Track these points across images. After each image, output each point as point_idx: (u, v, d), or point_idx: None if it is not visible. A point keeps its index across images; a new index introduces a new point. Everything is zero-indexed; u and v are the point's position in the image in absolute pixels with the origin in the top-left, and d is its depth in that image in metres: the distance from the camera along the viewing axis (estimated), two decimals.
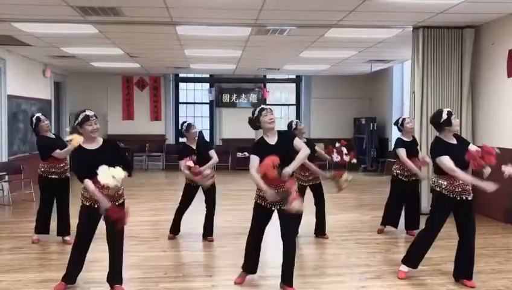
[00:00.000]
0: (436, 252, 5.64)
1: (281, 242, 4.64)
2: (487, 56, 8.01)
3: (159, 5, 6.84)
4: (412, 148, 6.74)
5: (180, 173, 14.01)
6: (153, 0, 6.68)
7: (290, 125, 6.60)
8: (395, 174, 6.78)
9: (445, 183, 4.76)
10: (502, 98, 7.60)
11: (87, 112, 4.54)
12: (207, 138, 16.25)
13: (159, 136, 15.70)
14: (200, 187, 6.53)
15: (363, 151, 15.01)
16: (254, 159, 4.55)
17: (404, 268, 5.06)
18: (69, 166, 6.47)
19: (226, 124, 16.09)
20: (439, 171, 4.81)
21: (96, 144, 4.56)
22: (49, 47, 10.26)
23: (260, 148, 4.61)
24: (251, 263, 4.86)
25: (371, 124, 14.51)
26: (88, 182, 4.37)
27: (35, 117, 6.46)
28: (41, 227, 6.47)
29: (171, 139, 15.88)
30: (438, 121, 4.85)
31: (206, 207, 6.63)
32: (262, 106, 4.88)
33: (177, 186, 11.22)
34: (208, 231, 6.61)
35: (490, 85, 7.96)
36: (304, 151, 4.60)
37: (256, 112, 4.71)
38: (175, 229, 6.66)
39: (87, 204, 4.49)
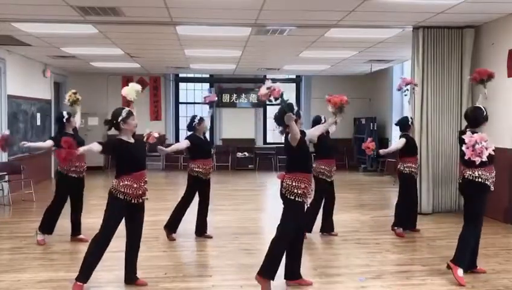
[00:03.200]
0: (437, 251, 5.65)
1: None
2: (487, 56, 8.01)
3: (159, 5, 6.85)
4: (410, 147, 6.77)
5: (180, 173, 14.02)
6: (153, 0, 6.68)
7: (318, 119, 6.68)
8: (407, 171, 6.72)
9: (487, 173, 4.85)
10: (502, 98, 7.60)
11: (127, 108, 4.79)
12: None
13: (159, 136, 15.68)
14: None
15: (363, 151, 14.98)
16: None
17: (460, 273, 4.85)
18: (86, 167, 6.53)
19: (226, 124, 16.09)
20: (475, 163, 4.76)
21: (131, 139, 4.76)
22: (49, 47, 10.26)
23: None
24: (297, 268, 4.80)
25: (371, 124, 14.52)
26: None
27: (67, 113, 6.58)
28: (48, 226, 6.39)
29: (171, 139, 15.87)
30: (481, 115, 4.97)
31: (200, 203, 6.60)
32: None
33: (177, 186, 11.24)
34: (203, 227, 6.64)
35: (490, 85, 7.92)
36: None
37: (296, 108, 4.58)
38: (173, 226, 6.58)
39: (122, 197, 4.56)
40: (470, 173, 4.89)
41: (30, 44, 9.83)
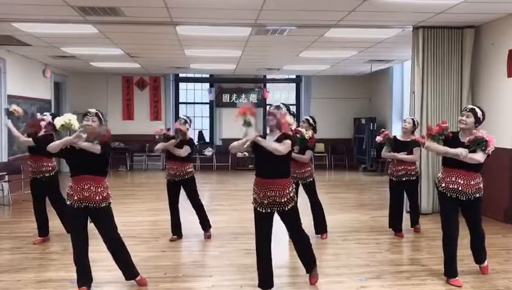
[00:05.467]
0: (437, 251, 5.64)
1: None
2: (487, 56, 8.01)
3: (159, 5, 6.85)
4: (401, 149, 6.64)
5: None
6: (153, 0, 6.69)
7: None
8: (388, 174, 6.94)
9: (441, 175, 4.90)
10: (502, 98, 7.60)
11: (89, 109, 4.70)
12: (207, 138, 16.28)
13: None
14: (182, 186, 6.56)
15: (363, 151, 15.02)
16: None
17: (453, 281, 4.82)
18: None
19: (226, 124, 16.08)
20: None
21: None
22: (49, 47, 10.26)
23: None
24: (265, 277, 4.51)
25: (371, 124, 14.52)
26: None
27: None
28: (39, 229, 6.55)
29: None
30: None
31: (193, 207, 6.66)
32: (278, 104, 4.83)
33: None
34: (201, 224, 6.69)
35: (490, 85, 7.95)
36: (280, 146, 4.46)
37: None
38: (172, 230, 6.63)
39: (68, 202, 4.50)
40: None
41: (30, 44, 9.83)
